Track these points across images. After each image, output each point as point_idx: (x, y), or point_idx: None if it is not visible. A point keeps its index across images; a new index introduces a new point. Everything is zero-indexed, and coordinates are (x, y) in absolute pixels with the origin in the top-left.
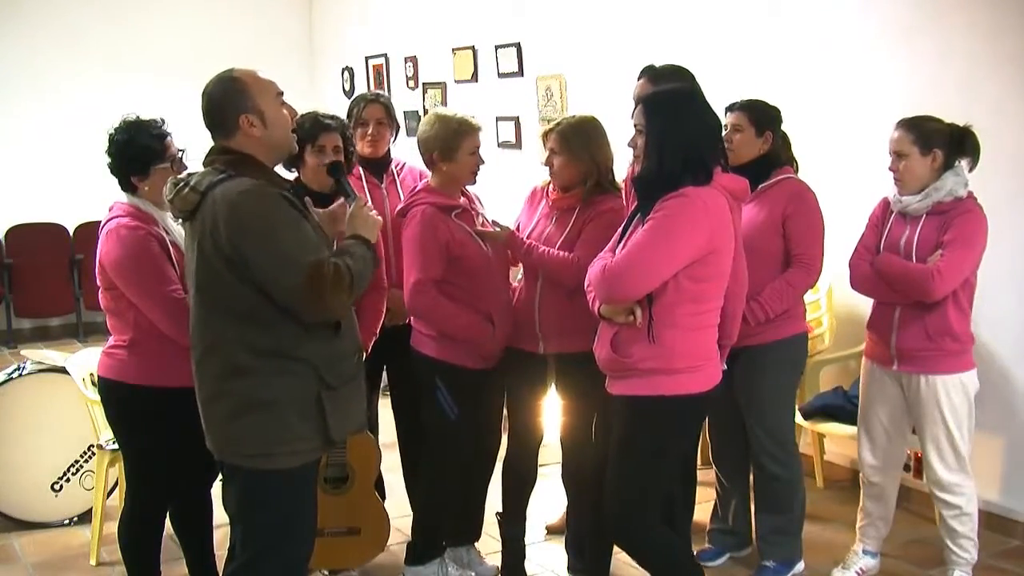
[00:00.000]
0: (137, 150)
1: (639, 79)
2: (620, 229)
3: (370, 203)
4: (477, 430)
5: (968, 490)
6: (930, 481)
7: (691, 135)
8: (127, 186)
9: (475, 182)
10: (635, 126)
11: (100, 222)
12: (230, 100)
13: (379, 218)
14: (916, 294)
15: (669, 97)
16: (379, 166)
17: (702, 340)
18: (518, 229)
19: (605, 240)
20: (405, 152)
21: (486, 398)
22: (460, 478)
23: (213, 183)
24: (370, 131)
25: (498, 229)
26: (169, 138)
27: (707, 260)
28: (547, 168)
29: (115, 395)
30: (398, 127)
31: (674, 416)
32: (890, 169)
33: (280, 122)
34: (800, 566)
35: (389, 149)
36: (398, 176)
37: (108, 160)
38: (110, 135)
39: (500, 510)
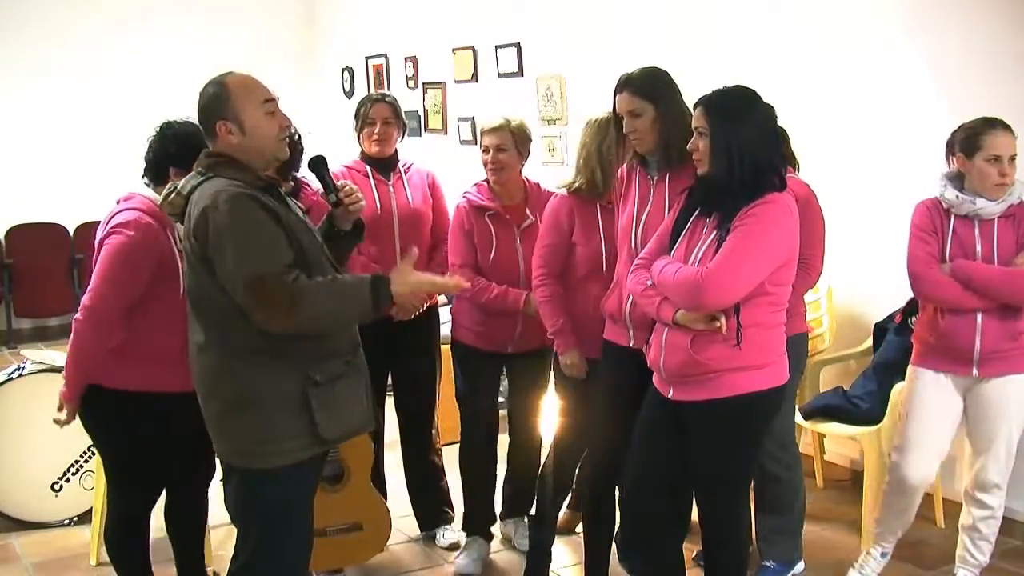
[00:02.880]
0: (195, 144)
1: (618, 92)
2: (671, 229)
3: (359, 193)
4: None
5: (1003, 493)
6: (976, 482)
7: (756, 137)
8: (159, 177)
9: (492, 179)
10: (696, 128)
11: (100, 222)
12: (212, 106)
13: (423, 278)
14: (1019, 298)
15: (732, 99)
16: (386, 165)
17: (777, 337)
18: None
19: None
20: (406, 152)
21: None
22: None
23: (195, 186)
24: (376, 130)
25: None
26: None
27: (786, 265)
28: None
29: (85, 397)
30: (405, 127)
31: (764, 410)
32: (1001, 174)
33: (261, 130)
34: (800, 566)
35: (396, 149)
36: (405, 175)
37: (154, 145)
38: (168, 122)
39: (532, 513)
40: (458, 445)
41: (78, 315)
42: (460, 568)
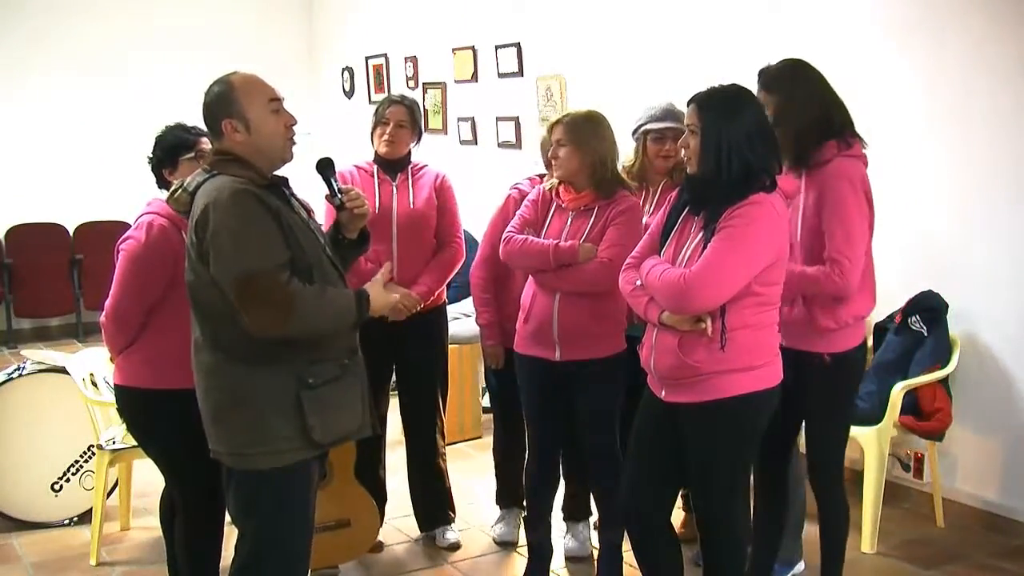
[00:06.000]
0: (169, 142)
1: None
2: (662, 226)
3: (363, 196)
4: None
5: None
6: None
7: (747, 136)
8: (162, 183)
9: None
10: (687, 126)
11: (100, 222)
12: (217, 104)
13: (394, 297)
14: None
15: (724, 97)
16: (395, 166)
17: (769, 337)
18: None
19: (632, 239)
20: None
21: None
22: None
23: (200, 183)
24: (388, 130)
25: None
26: (204, 138)
27: (776, 264)
28: (552, 162)
29: (121, 402)
30: (421, 132)
31: (756, 412)
32: None
33: (267, 128)
34: (800, 566)
35: (410, 152)
36: (413, 177)
37: (148, 159)
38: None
39: (526, 514)
40: (466, 438)
41: (102, 318)
42: (500, 536)
